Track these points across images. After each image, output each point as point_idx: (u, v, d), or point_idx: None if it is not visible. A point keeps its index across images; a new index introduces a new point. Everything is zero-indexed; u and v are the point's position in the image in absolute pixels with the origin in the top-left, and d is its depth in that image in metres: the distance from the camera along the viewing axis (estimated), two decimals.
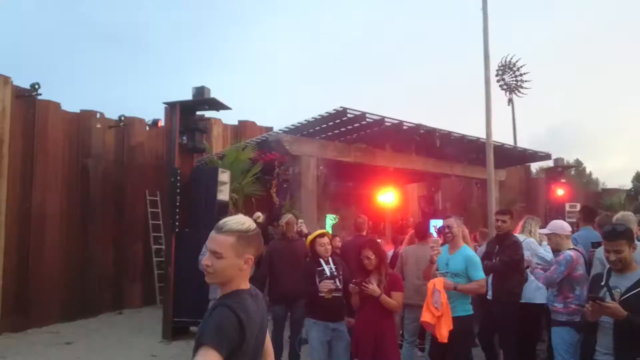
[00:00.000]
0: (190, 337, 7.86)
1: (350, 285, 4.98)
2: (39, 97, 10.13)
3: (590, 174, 44.14)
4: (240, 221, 2.20)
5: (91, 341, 8.55)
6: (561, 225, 5.44)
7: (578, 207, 11.77)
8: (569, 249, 5.23)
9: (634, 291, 3.57)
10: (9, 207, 9.37)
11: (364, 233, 7.45)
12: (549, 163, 16.50)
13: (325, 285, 5.22)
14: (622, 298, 3.58)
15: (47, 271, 9.98)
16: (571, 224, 6.99)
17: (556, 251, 5.46)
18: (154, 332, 8.60)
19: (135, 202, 12.00)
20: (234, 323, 2.04)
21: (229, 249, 2.14)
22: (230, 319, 2.04)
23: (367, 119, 10.75)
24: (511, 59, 37.61)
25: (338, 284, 5.37)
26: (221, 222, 2.20)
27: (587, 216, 6.45)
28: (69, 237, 10.63)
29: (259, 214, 9.17)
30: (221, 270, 2.15)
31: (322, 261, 5.51)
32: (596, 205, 15.57)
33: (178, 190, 10.18)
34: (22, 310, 9.47)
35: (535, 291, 6.16)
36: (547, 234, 5.63)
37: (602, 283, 3.75)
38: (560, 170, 15.25)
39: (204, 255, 6.46)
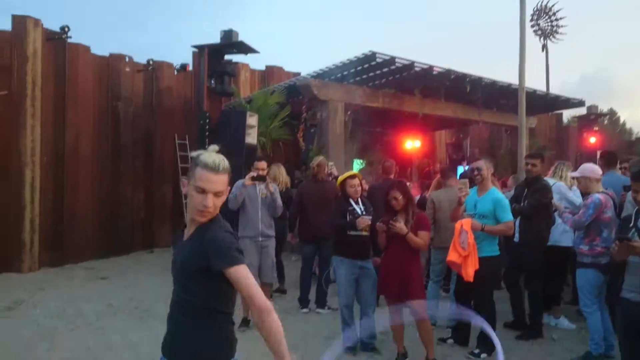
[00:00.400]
0: None
1: (378, 223, 5.05)
2: (69, 40, 10.19)
3: (624, 123, 43.02)
4: (222, 157, 2.30)
5: (125, 277, 8.88)
6: (591, 169, 5.38)
7: None
8: (599, 192, 5.20)
9: None
10: (43, 148, 9.60)
11: (392, 176, 7.48)
12: (582, 111, 16.17)
13: (363, 221, 5.31)
14: None
15: (81, 210, 10.28)
16: None
17: (586, 194, 5.42)
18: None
19: (164, 146, 12.15)
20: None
21: (226, 185, 2.30)
22: (234, 239, 2.28)
23: (397, 64, 10.59)
24: (547, 2, 36.25)
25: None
26: (210, 162, 2.24)
27: (608, 161, 6.35)
28: (101, 179, 10.89)
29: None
30: (218, 206, 2.30)
31: (352, 201, 5.59)
32: (629, 154, 15.25)
33: (207, 133, 10.30)
34: (59, 247, 9.83)
35: (561, 234, 6.16)
36: (577, 178, 5.59)
37: (631, 224, 3.74)
38: (593, 117, 14.94)
39: (234, 196, 6.53)
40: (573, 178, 5.94)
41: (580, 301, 5.31)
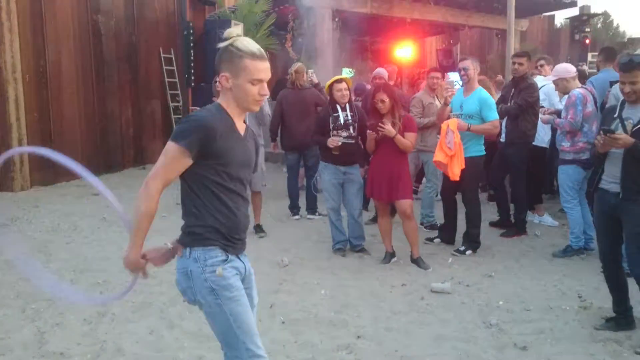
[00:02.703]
0: None
1: (368, 131, 5.06)
2: None
3: (618, 26, 42.06)
4: (252, 41, 2.29)
5: (118, 192, 8.86)
6: (565, 68, 5.43)
7: None
8: (577, 88, 5.26)
9: None
10: (24, 65, 9.35)
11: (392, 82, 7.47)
12: (575, 13, 15.81)
13: (333, 142, 5.34)
14: (635, 129, 3.57)
15: (69, 129, 10.16)
16: (592, 74, 6.91)
17: (566, 95, 5.46)
18: (176, 183, 8.89)
19: (149, 60, 11.85)
20: None
21: None
22: None
23: None
24: None
25: (352, 131, 5.44)
26: (257, 50, 2.24)
27: (607, 56, 6.25)
28: (87, 96, 10.66)
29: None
30: None
31: (338, 107, 5.53)
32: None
33: (192, 45, 10.08)
34: (50, 165, 9.75)
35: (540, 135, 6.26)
36: (554, 81, 5.61)
37: (615, 115, 3.74)
38: (585, 18, 14.60)
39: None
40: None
41: (561, 197, 5.44)
